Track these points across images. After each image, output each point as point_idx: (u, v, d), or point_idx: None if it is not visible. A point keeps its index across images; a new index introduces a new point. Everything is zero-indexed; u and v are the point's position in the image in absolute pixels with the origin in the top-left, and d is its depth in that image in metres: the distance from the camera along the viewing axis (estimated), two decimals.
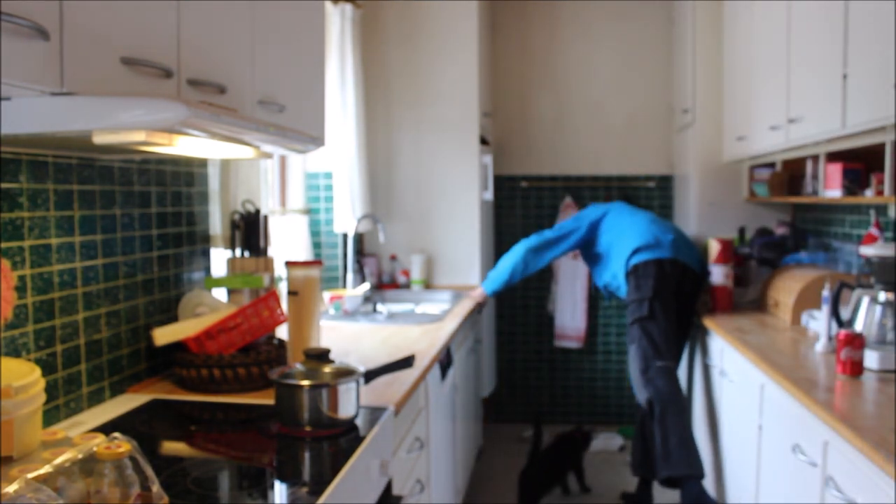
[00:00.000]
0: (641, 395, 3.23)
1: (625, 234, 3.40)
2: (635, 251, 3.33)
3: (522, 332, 4.74)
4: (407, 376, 2.03)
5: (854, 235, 3.07)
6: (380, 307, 3.36)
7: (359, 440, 1.56)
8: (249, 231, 2.35)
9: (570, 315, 4.60)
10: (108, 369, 1.80)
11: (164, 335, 1.91)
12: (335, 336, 2.68)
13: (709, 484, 3.15)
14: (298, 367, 1.66)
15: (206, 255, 2.31)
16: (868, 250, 2.37)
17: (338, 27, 3.39)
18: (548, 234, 3.51)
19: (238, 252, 2.35)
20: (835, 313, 2.37)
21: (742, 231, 3.80)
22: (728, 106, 3.78)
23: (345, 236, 3.65)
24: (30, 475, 0.98)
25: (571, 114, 4.62)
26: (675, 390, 3.18)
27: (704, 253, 3.42)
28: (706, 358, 3.20)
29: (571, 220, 3.57)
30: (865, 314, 2.30)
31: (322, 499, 1.24)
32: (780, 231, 3.73)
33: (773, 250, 3.51)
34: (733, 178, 3.89)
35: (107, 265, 1.78)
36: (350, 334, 2.74)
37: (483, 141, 4.10)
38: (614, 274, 3.42)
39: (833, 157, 2.64)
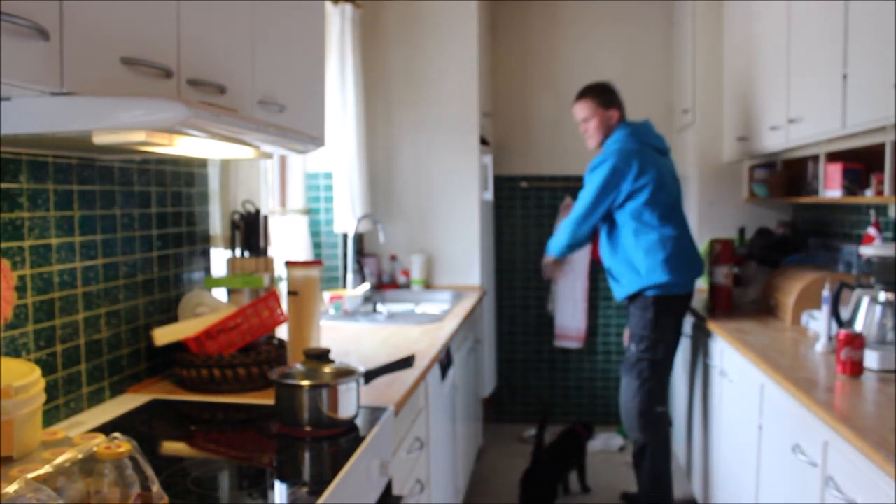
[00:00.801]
0: (635, 435, 3.18)
1: (650, 242, 3.05)
2: (661, 285, 3.05)
3: (522, 332, 4.74)
4: (407, 376, 2.03)
5: (854, 235, 3.07)
6: (380, 307, 3.35)
7: (359, 440, 1.56)
8: (249, 231, 2.35)
9: (570, 315, 4.60)
10: (108, 369, 1.80)
11: (164, 335, 1.91)
12: (335, 336, 2.68)
13: (705, 484, 3.15)
14: (298, 367, 1.66)
15: (206, 255, 2.31)
16: (868, 250, 2.37)
17: (338, 27, 3.39)
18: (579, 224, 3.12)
19: (238, 252, 2.35)
20: (835, 313, 2.37)
21: (742, 231, 3.79)
22: (728, 106, 3.78)
23: (345, 236, 3.65)
24: (30, 475, 0.98)
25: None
26: (669, 440, 3.25)
27: (706, 256, 3.35)
28: (706, 358, 3.20)
29: (604, 183, 3.05)
30: (865, 314, 2.30)
31: (322, 499, 1.24)
32: (780, 231, 3.73)
33: (773, 250, 3.50)
34: (733, 178, 3.89)
35: (107, 265, 1.78)
36: (350, 334, 2.74)
37: (483, 141, 4.10)
38: (622, 272, 3.17)
39: (833, 157, 2.64)
